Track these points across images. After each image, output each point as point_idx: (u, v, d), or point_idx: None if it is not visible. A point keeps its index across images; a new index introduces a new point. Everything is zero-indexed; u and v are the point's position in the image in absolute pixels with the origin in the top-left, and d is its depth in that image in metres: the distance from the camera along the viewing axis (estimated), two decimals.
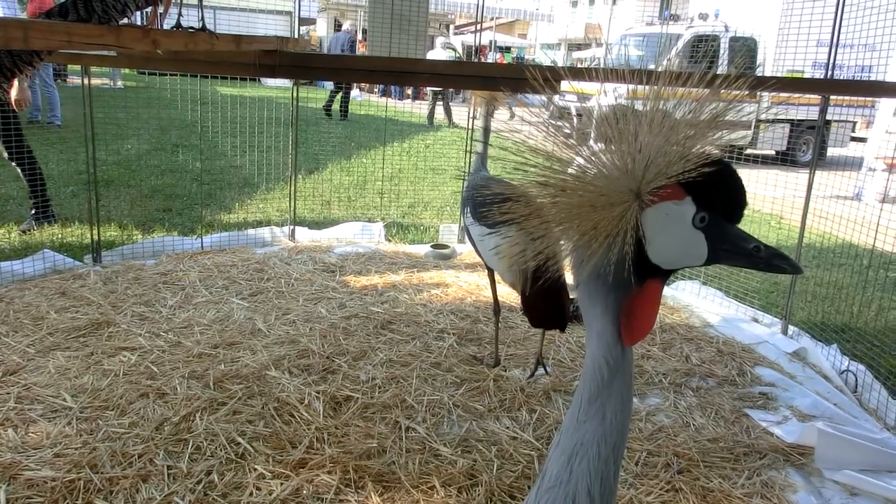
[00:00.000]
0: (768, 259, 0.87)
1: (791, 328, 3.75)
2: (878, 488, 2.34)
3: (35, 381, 2.68)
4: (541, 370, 3.02)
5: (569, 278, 1.07)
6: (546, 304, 2.61)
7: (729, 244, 0.88)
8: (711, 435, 2.63)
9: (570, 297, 2.61)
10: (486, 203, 2.76)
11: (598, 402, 0.94)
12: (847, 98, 6.43)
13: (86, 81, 3.99)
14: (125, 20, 1.94)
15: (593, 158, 0.91)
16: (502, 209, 0.98)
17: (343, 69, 3.15)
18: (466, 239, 5.15)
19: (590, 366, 0.95)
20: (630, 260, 0.87)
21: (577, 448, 0.94)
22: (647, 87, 0.94)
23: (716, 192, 0.86)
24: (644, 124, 0.91)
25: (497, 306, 3.08)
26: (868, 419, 2.89)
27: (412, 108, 12.04)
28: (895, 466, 2.47)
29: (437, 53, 16.43)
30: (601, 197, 0.87)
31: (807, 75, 5.11)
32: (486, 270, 3.12)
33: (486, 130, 3.08)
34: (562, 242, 0.93)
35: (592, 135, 0.96)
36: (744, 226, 0.91)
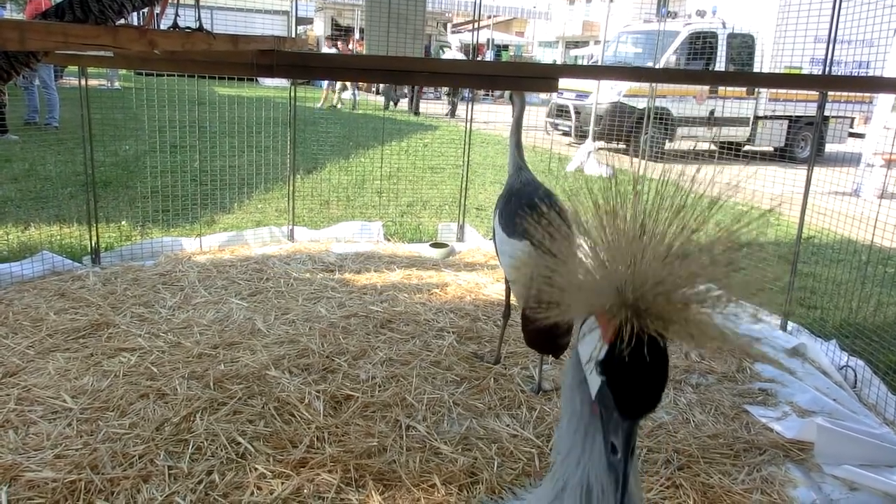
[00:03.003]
0: (615, 464, 0.77)
1: (790, 324, 3.76)
2: (877, 483, 2.35)
3: (35, 382, 2.68)
4: (546, 385, 2.98)
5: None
6: (542, 326, 2.59)
7: (604, 412, 0.78)
8: (711, 431, 2.64)
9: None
10: (510, 211, 2.75)
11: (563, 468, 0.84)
12: (845, 94, 6.44)
13: (83, 82, 3.98)
14: (122, 21, 1.94)
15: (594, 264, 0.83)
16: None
17: (340, 68, 3.15)
18: (466, 237, 5.14)
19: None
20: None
21: None
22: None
23: (614, 370, 0.75)
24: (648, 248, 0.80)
25: (507, 310, 3.07)
26: (867, 414, 2.89)
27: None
28: (894, 461, 2.47)
29: (454, 54, 16.76)
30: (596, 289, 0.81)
31: (804, 71, 5.12)
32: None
33: (518, 123, 3.02)
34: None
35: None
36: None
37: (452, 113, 14.01)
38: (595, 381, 0.79)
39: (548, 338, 2.62)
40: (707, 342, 0.76)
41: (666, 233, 0.79)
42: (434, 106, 15.13)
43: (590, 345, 0.80)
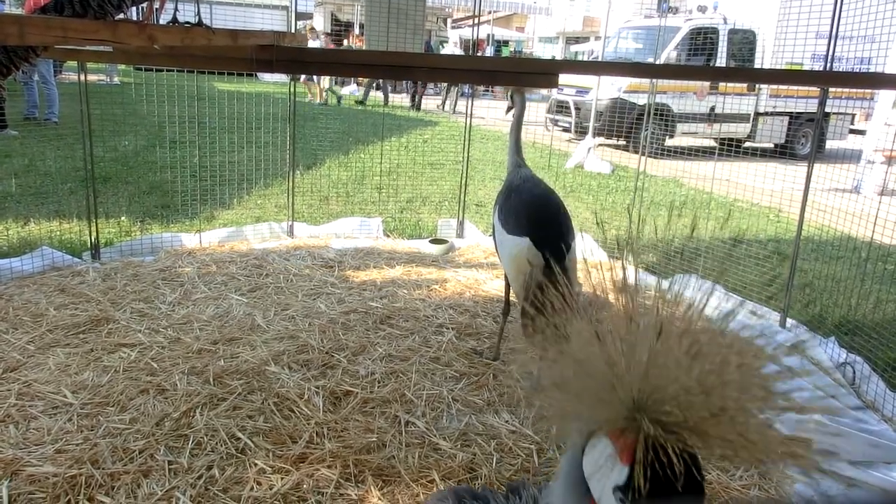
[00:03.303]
0: None
1: (789, 321, 3.76)
2: (875, 479, 2.36)
3: (35, 377, 2.69)
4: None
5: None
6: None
7: None
8: None
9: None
10: (510, 207, 2.74)
11: None
12: (846, 90, 6.43)
13: (82, 78, 3.97)
14: (121, 15, 1.93)
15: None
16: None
17: (339, 63, 3.14)
18: (465, 234, 5.14)
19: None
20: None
21: None
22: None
23: (640, 498, 0.63)
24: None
25: (507, 307, 3.07)
26: (866, 411, 2.90)
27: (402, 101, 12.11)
28: (892, 458, 2.48)
29: (451, 50, 16.95)
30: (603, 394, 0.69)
31: (806, 67, 5.11)
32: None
33: (519, 121, 3.01)
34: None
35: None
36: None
37: (446, 107, 14.21)
38: None
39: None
40: (762, 456, 0.63)
41: (690, 330, 0.66)
42: (434, 102, 15.16)
43: (600, 463, 0.67)
